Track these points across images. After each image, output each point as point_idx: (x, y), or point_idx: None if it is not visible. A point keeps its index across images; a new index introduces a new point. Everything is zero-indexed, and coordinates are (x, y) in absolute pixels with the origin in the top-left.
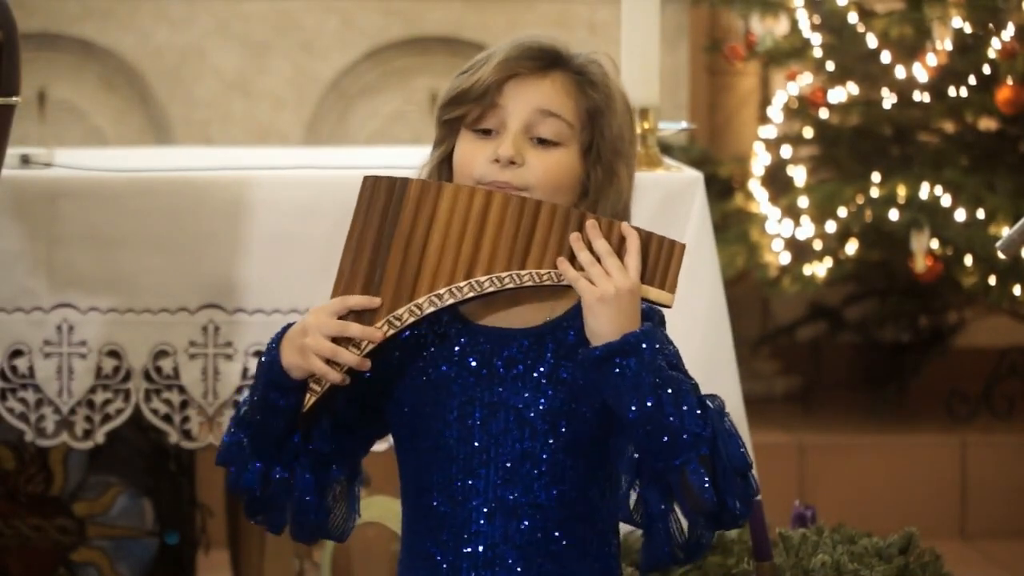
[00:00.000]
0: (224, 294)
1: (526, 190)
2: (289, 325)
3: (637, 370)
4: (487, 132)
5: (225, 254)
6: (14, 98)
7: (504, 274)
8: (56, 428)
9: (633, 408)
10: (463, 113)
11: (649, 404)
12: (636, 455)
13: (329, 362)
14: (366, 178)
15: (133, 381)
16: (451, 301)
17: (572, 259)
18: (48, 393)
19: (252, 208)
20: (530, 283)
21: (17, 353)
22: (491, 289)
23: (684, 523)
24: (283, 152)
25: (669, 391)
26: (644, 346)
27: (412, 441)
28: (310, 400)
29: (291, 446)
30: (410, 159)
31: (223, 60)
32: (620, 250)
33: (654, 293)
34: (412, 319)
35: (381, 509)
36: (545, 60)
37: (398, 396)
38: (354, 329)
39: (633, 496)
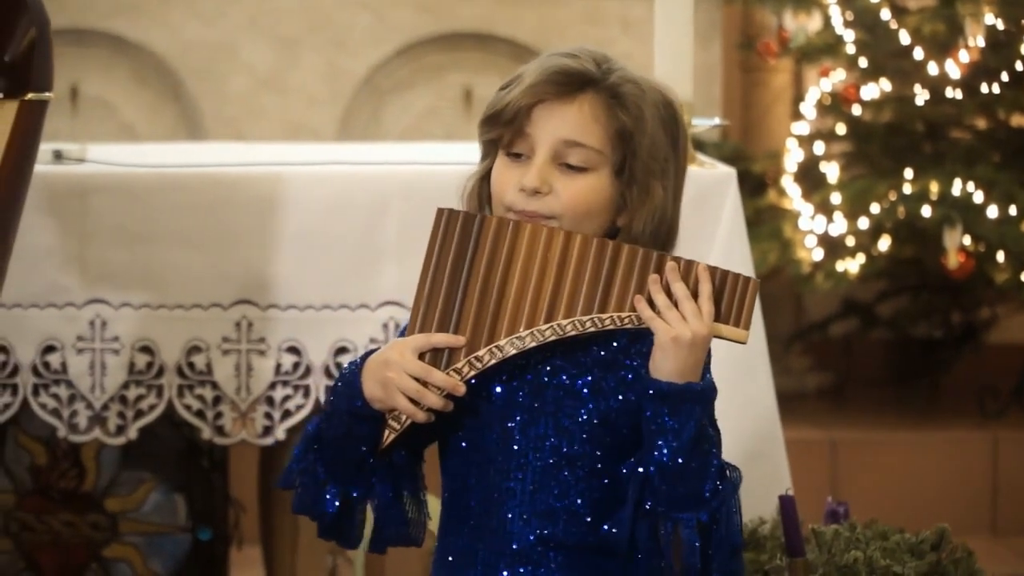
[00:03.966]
0: (257, 290)
1: (553, 218)
2: (368, 354)
3: (685, 420)
4: (519, 155)
5: (258, 250)
6: (47, 94)
7: (586, 318)
8: (89, 424)
9: (666, 452)
10: (497, 136)
11: (680, 455)
12: (643, 486)
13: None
14: (440, 210)
15: (166, 377)
16: (533, 344)
17: (649, 298)
18: (81, 389)
19: (284, 204)
20: (611, 327)
21: (50, 349)
22: (572, 333)
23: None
24: (315, 148)
25: (702, 451)
26: (701, 401)
27: (453, 441)
28: (389, 437)
29: (369, 466)
30: (443, 155)
31: (255, 56)
32: (695, 291)
33: (729, 331)
34: (493, 361)
35: None
36: (573, 84)
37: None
38: (437, 377)
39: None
